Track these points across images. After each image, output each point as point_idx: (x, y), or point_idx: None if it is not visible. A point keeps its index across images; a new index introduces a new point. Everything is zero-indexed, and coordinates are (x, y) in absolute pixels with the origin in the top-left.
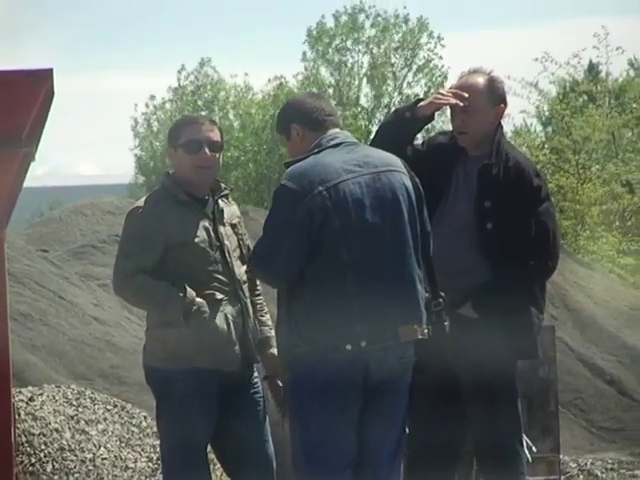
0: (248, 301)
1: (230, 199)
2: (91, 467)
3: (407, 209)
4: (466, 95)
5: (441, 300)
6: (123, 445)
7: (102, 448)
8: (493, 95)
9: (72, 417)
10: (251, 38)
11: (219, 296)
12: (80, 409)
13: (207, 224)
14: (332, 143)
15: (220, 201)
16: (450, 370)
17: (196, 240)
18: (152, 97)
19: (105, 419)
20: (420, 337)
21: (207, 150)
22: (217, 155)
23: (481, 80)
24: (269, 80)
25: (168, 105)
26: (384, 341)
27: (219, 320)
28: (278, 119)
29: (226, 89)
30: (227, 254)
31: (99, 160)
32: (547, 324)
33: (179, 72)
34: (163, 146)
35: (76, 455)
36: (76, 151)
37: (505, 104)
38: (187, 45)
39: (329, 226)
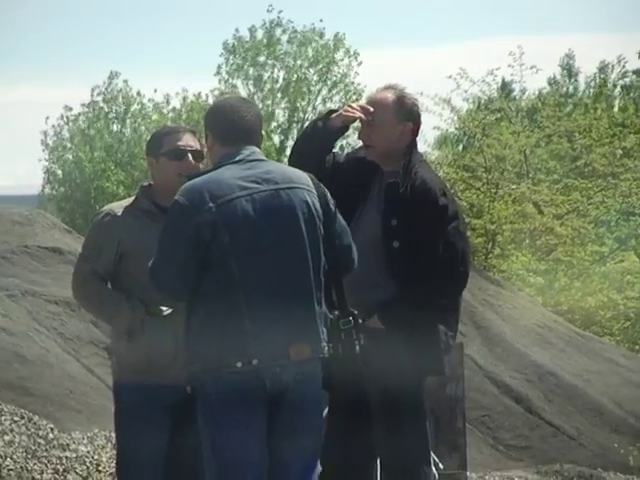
0: None
1: None
2: None
3: (307, 226)
4: (371, 109)
5: (351, 318)
6: (29, 457)
7: (8, 459)
8: (401, 111)
9: None
10: (168, 51)
11: (166, 311)
12: None
13: None
14: (233, 160)
15: None
16: (363, 386)
17: (149, 250)
18: (68, 108)
19: (12, 430)
20: (310, 356)
21: (191, 158)
22: (199, 165)
23: (390, 95)
24: (182, 97)
25: (80, 118)
26: (274, 360)
27: (166, 335)
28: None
29: (143, 102)
30: None
31: (8, 171)
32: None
33: (93, 89)
34: (74, 157)
35: None
36: None
37: (415, 122)
38: (100, 58)
39: (218, 243)
